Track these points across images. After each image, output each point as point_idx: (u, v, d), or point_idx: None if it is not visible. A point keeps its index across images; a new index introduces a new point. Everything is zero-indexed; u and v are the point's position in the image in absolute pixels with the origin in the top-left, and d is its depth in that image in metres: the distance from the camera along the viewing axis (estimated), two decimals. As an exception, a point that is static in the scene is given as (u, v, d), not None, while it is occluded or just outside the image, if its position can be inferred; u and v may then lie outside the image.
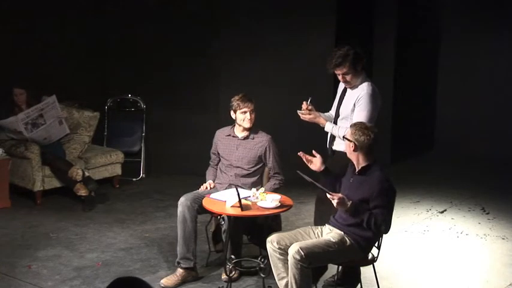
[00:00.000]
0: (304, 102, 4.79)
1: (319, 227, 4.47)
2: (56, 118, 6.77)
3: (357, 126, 4.24)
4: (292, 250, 4.08)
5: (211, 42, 7.65)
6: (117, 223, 6.19)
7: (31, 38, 7.35)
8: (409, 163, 8.70)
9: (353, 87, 4.72)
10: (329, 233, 4.32)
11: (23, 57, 7.25)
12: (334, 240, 4.20)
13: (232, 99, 5.08)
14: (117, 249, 5.55)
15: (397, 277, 5.10)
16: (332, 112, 4.94)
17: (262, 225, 4.75)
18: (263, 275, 4.64)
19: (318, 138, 5.06)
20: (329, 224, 4.39)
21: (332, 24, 7.64)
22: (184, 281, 4.88)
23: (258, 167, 5.13)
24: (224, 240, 4.89)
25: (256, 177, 5.13)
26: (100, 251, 5.49)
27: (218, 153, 5.23)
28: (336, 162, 4.72)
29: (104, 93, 7.92)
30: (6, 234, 5.83)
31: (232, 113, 5.09)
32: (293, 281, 4.09)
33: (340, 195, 4.14)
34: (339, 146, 4.74)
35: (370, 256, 4.37)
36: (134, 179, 7.66)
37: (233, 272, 4.79)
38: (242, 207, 4.45)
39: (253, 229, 4.97)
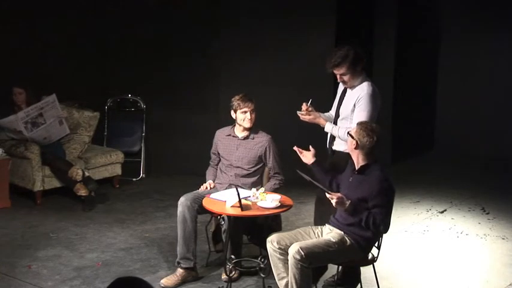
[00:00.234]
0: (304, 104, 4.78)
1: (319, 227, 4.47)
2: (56, 118, 6.77)
3: (363, 126, 4.24)
4: (293, 250, 4.08)
5: (211, 42, 7.65)
6: (117, 223, 6.19)
7: (31, 38, 7.35)
8: (409, 163, 8.70)
9: (353, 87, 4.72)
10: (329, 233, 4.32)
11: (23, 57, 7.25)
12: (334, 240, 4.21)
13: (233, 99, 5.08)
14: (117, 249, 5.55)
15: (397, 277, 5.10)
16: (332, 112, 4.93)
17: (262, 225, 4.75)
18: (263, 275, 4.64)
19: (318, 138, 5.05)
20: (329, 223, 4.40)
21: (332, 24, 7.63)
22: (184, 281, 4.88)
23: (258, 167, 5.13)
24: (224, 240, 4.89)
25: (256, 177, 5.13)
26: (100, 251, 5.49)
27: (218, 153, 5.23)
28: (336, 162, 4.73)
29: (104, 93, 7.93)
30: (6, 234, 5.83)
31: (232, 112, 5.09)
32: (293, 281, 4.09)
33: (339, 194, 4.14)
34: (339, 146, 4.74)
35: (370, 256, 4.37)
36: (134, 179, 7.66)
37: (233, 272, 4.79)
38: (242, 207, 4.45)
39: (253, 229, 4.97)
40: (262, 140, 5.11)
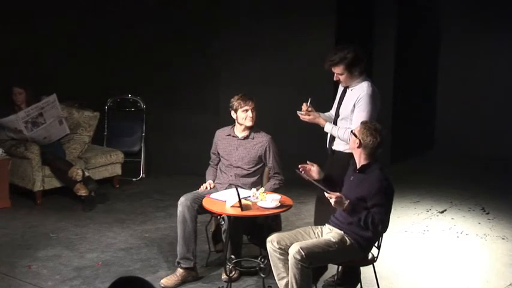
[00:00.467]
0: (304, 104, 4.78)
1: (319, 226, 4.47)
2: (56, 118, 6.77)
3: (367, 126, 4.24)
4: (293, 250, 4.08)
5: (211, 42, 7.65)
6: (117, 223, 6.19)
7: (31, 38, 7.35)
8: (409, 163, 8.70)
9: (352, 87, 4.71)
10: (329, 233, 4.32)
11: (23, 57, 7.25)
12: (334, 240, 4.21)
13: (232, 99, 5.07)
14: (117, 249, 5.55)
15: (397, 277, 5.10)
16: (332, 112, 4.93)
17: (262, 225, 4.75)
18: (263, 275, 4.64)
19: (318, 138, 5.06)
20: (329, 223, 4.40)
21: (332, 24, 7.63)
22: (184, 281, 4.88)
23: (258, 167, 5.13)
24: (224, 240, 4.88)
25: (256, 177, 5.12)
26: (100, 251, 5.49)
27: (218, 153, 5.23)
28: (336, 162, 4.72)
29: (104, 93, 7.93)
30: (6, 234, 5.83)
31: (232, 113, 5.08)
32: (293, 281, 4.09)
33: (338, 194, 4.14)
34: (339, 146, 4.74)
35: (370, 256, 4.37)
36: (134, 179, 7.66)
37: (233, 272, 4.78)
38: (242, 207, 4.45)
39: (253, 229, 4.97)
40: (262, 140, 5.11)
